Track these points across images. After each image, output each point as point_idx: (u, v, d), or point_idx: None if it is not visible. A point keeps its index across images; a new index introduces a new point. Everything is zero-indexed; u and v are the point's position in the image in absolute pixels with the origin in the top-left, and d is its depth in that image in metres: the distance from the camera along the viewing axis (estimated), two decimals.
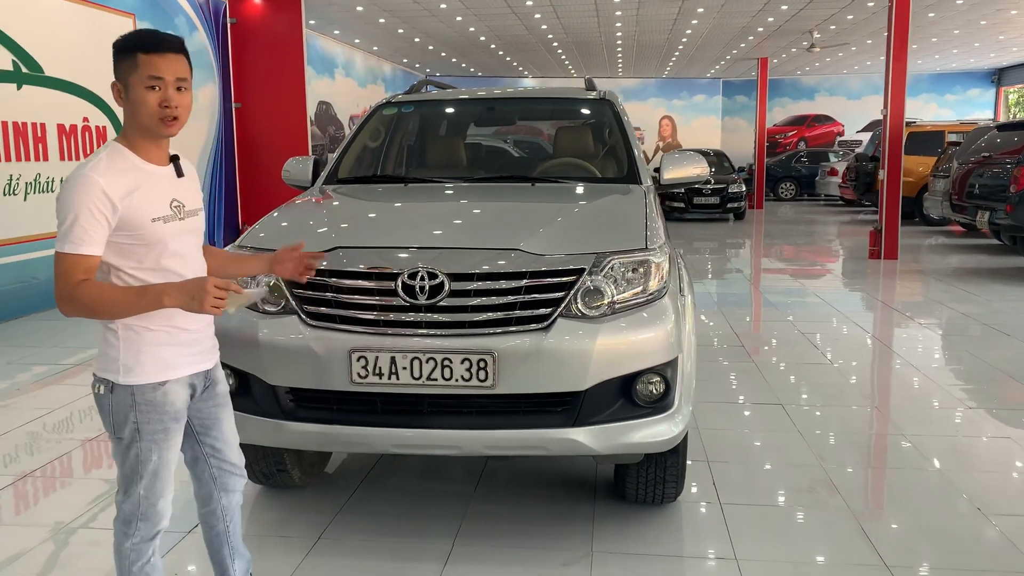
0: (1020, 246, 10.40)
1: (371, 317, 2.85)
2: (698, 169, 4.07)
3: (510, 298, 2.82)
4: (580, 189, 3.87)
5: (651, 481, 3.30)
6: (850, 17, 15.08)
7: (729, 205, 17.80)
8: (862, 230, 15.60)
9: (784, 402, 4.92)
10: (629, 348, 2.84)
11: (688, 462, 3.88)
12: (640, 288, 2.94)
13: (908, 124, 16.13)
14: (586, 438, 2.82)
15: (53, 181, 8.13)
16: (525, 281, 2.84)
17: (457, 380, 2.78)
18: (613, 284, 2.89)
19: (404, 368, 2.79)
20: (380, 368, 2.80)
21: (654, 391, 2.89)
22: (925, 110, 27.12)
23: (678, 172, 4.02)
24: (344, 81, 18.02)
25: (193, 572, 3.04)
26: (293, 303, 2.94)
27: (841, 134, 28.69)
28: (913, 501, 3.58)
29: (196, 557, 3.13)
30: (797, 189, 25.05)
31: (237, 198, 12.10)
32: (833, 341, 6.59)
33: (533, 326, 2.81)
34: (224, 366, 3.01)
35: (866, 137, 26.21)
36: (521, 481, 3.77)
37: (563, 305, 2.84)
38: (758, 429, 4.49)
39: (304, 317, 2.91)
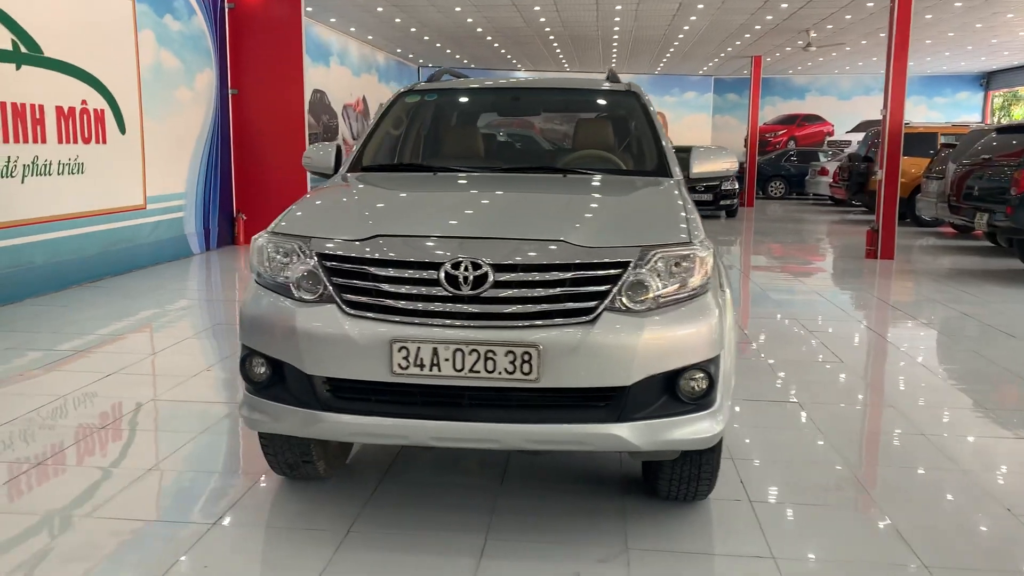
0: (1017, 248, 10.45)
1: (413, 307, 2.79)
2: (727, 164, 4.04)
3: (555, 290, 2.78)
4: (614, 181, 3.82)
5: (685, 478, 3.26)
6: (848, 17, 15.12)
7: (722, 202, 17.82)
8: (854, 229, 15.68)
9: (801, 400, 4.90)
10: (674, 343, 2.80)
11: None
12: (684, 283, 2.90)
13: None
14: (629, 434, 2.78)
15: (51, 164, 7.99)
16: (571, 273, 2.79)
17: (500, 373, 2.73)
18: (657, 278, 2.85)
19: (446, 360, 2.73)
20: (422, 359, 2.74)
21: (697, 387, 2.86)
22: (914, 112, 27.31)
23: (707, 166, 3.98)
24: (339, 70, 17.87)
25: (220, 564, 2.97)
26: (332, 291, 2.87)
27: (831, 134, 28.84)
28: (943, 502, 3.57)
29: (223, 549, 3.06)
30: (786, 188, 25.14)
31: (232, 185, 11.96)
32: (841, 340, 6.59)
33: (578, 319, 2.77)
34: (257, 354, 2.97)
35: (855, 137, 26.42)
36: (547, 475, 3.73)
37: (608, 298, 2.79)
38: (779, 427, 4.47)
39: (343, 305, 2.85)
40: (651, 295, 2.83)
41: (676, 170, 3.91)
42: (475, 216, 3.18)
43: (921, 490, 3.70)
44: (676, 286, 2.89)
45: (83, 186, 8.54)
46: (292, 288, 2.95)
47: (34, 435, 4.21)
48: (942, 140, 15.77)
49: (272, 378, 2.97)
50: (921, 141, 16.57)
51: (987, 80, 27.65)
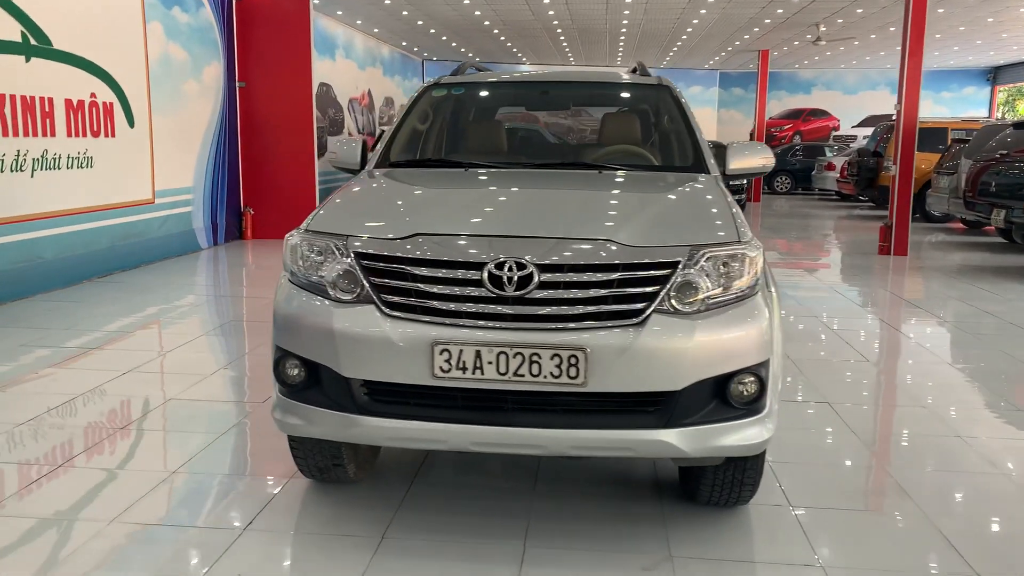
0: None
1: (455, 308, 2.70)
2: (764, 159, 3.94)
3: (603, 291, 2.69)
4: (653, 178, 3.72)
5: (728, 483, 3.17)
6: (859, 11, 14.99)
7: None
8: (863, 225, 15.58)
9: (830, 400, 4.81)
10: (726, 347, 2.71)
11: None
12: (734, 283, 2.81)
13: None
14: (678, 440, 2.69)
15: (60, 158, 7.88)
16: (618, 274, 2.70)
17: (546, 377, 2.64)
18: (707, 278, 2.76)
19: (490, 363, 2.65)
20: (464, 362, 2.65)
21: (748, 392, 2.77)
22: (920, 107, 27.15)
23: (744, 162, 3.88)
24: (344, 63, 17.73)
25: (254, 572, 2.88)
26: (370, 291, 2.78)
27: (836, 128, 28.69)
28: (987, 507, 3.48)
29: (255, 555, 2.98)
30: (792, 183, 24.95)
31: (239, 179, 11.86)
32: (864, 338, 6.51)
33: (626, 321, 2.68)
34: (292, 356, 2.89)
35: (861, 132, 26.27)
36: (580, 479, 3.64)
37: (657, 300, 2.70)
38: (810, 428, 4.38)
39: (382, 307, 2.76)
40: (700, 296, 2.74)
41: (713, 165, 3.81)
42: (517, 214, 3.08)
43: (963, 495, 3.61)
44: (726, 287, 2.80)
45: (92, 180, 8.43)
46: (328, 288, 2.86)
47: (52, 436, 4.12)
48: (952, 135, 15.66)
49: (307, 380, 2.88)
50: (931, 136, 16.42)
51: (994, 75, 27.52)
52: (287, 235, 3.09)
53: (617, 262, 2.71)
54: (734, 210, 3.12)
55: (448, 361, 2.66)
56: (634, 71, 4.93)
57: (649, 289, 2.71)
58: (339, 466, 3.35)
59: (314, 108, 11.99)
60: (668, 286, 2.71)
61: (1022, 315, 7.34)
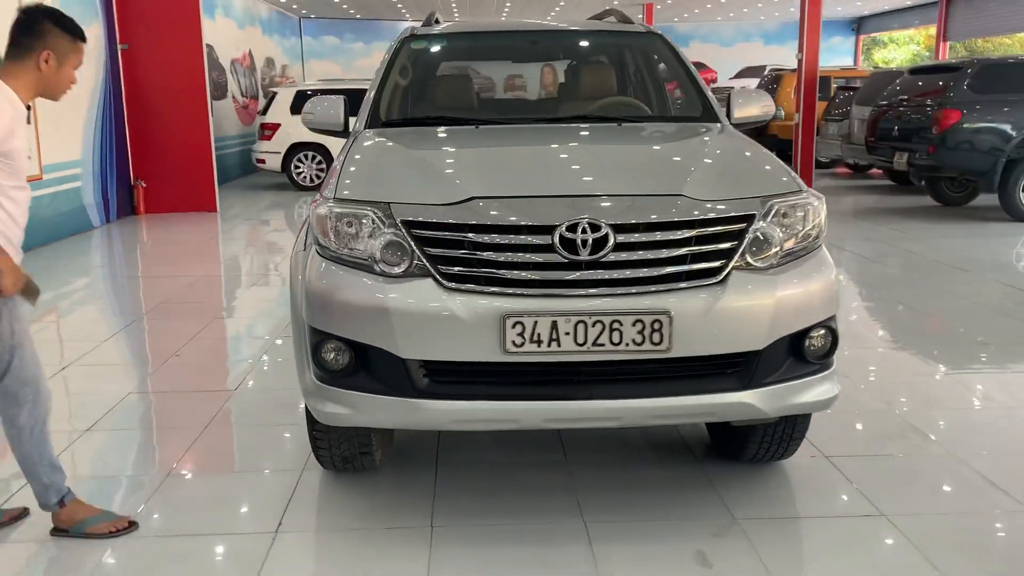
0: (928, 186, 10.88)
1: (526, 277, 2.48)
2: (763, 108, 3.85)
3: (681, 250, 2.53)
4: (679, 128, 3.57)
5: (777, 439, 3.09)
6: None
7: None
8: None
9: None
10: (804, 301, 2.62)
11: None
12: (803, 235, 2.73)
13: (784, 71, 16.59)
14: (759, 401, 2.59)
15: None
16: (696, 230, 2.55)
17: (627, 344, 2.47)
18: (780, 231, 2.66)
19: (567, 333, 2.45)
20: (539, 335, 2.45)
21: (822, 346, 2.69)
22: (790, 57, 28.13)
23: (748, 111, 3.78)
24: (224, 22, 16.68)
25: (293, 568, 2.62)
26: (425, 263, 2.52)
27: (714, 81, 29.34)
28: (1006, 442, 3.57)
29: (302, 560, 2.70)
30: None
31: (128, 150, 10.97)
32: None
33: (706, 281, 2.54)
34: (334, 338, 2.61)
35: (738, 84, 26.98)
36: (607, 447, 3.50)
37: (736, 256, 2.57)
38: None
39: (441, 279, 2.51)
40: (774, 250, 2.63)
41: (723, 114, 3.69)
42: (578, 172, 2.87)
43: (980, 431, 3.69)
44: (797, 239, 2.71)
45: None
46: (371, 262, 2.58)
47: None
48: (835, 84, 16.23)
49: (357, 366, 2.60)
50: None
51: (858, 25, 28.77)
52: (314, 205, 2.77)
53: (694, 218, 2.56)
54: (779, 159, 3.02)
55: (521, 335, 2.45)
56: (600, 18, 4.75)
57: (727, 245, 2.57)
58: (367, 454, 3.09)
59: (206, 70, 11.20)
60: (745, 241, 2.59)
61: (943, 254, 7.66)
